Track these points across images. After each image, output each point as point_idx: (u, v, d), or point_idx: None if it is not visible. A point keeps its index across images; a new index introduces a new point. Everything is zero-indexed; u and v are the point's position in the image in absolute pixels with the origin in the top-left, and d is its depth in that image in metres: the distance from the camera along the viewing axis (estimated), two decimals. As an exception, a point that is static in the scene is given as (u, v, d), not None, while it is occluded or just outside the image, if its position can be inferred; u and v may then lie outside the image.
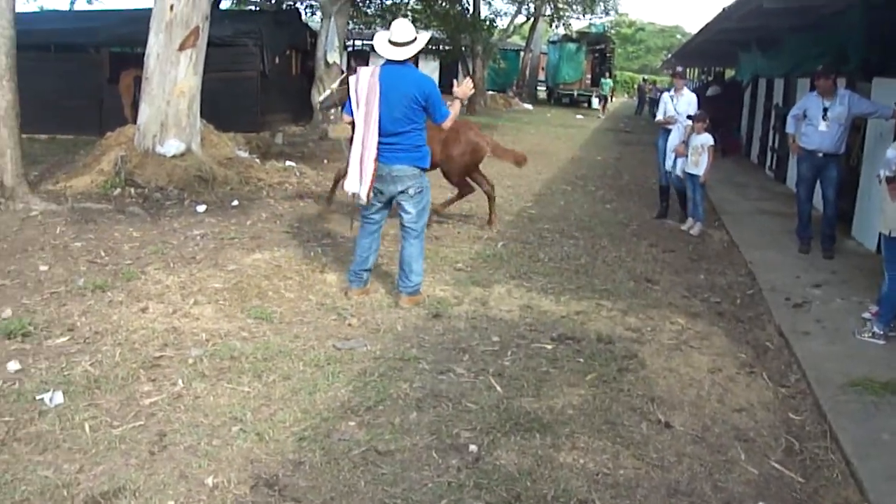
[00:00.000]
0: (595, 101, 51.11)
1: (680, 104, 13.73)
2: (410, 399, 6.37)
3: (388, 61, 8.30)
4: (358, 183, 8.38)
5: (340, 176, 11.41)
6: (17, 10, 12.87)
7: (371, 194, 8.36)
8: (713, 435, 6.08)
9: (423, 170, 8.52)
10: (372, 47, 8.53)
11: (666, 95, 14.57)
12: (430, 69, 52.90)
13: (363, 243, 8.79)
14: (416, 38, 8.38)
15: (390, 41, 8.25)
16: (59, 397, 6.07)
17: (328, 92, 10.29)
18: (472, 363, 7.15)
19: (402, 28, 8.31)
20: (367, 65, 8.66)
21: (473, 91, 8.69)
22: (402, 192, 8.45)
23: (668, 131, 13.76)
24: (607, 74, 53.42)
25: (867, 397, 6.76)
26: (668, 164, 13.59)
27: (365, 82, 8.22)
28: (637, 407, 6.43)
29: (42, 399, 6.07)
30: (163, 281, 9.01)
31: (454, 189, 12.80)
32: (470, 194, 12.86)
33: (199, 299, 8.47)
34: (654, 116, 17.12)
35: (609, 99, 54.33)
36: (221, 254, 10.22)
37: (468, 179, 12.48)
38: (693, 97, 14.04)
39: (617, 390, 6.72)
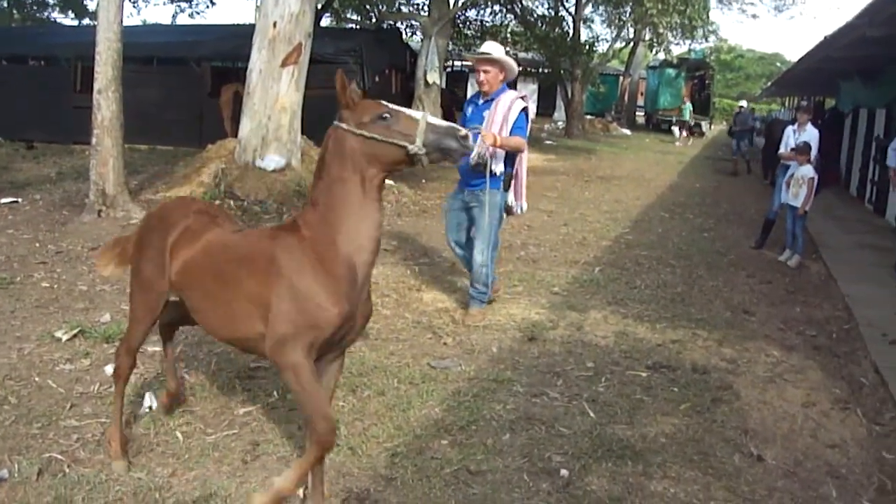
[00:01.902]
0: (676, 130, 49.90)
1: (802, 138, 13.64)
2: (503, 420, 6.41)
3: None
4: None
5: None
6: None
7: None
8: (805, 470, 6.04)
9: None
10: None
11: (789, 129, 14.49)
12: (529, 91, 52.98)
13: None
14: None
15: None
16: (149, 400, 6.23)
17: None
18: (565, 388, 7.17)
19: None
20: (465, 84, 8.74)
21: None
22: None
23: (789, 166, 13.64)
24: (685, 99, 52.57)
25: (962, 439, 6.67)
26: (784, 197, 13.42)
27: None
28: (730, 438, 6.40)
29: (141, 401, 6.24)
30: (261, 294, 9.14)
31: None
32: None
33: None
34: (751, 144, 16.99)
35: (693, 126, 53.18)
36: (319, 269, 10.32)
37: None
38: (815, 132, 13.95)
39: (710, 421, 6.70)
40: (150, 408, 6.17)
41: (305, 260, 4.57)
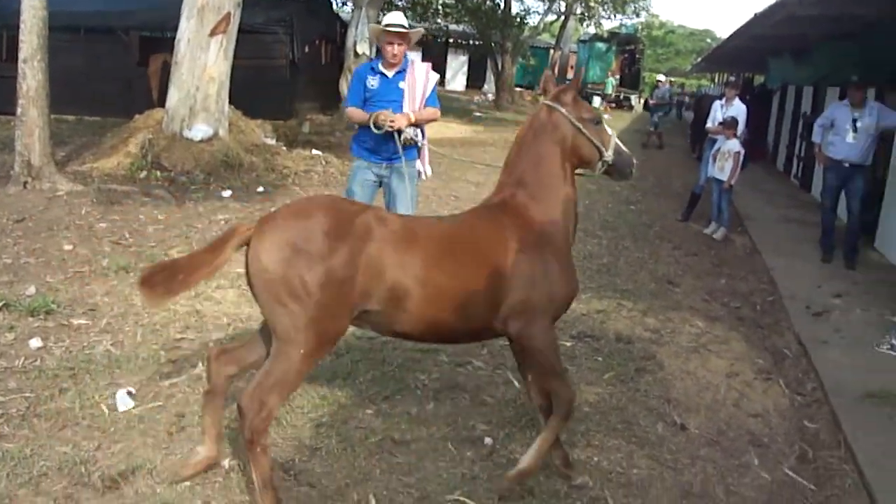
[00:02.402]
0: (597, 101, 50.05)
1: (730, 113, 13.72)
2: (428, 390, 6.41)
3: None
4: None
5: None
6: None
7: None
8: (727, 439, 6.11)
9: None
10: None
11: (717, 104, 14.57)
12: (459, 64, 52.98)
13: None
14: None
15: None
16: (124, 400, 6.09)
17: None
18: (490, 357, 7.18)
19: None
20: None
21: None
22: None
23: (716, 140, 13.72)
24: (609, 73, 52.60)
25: (883, 409, 6.77)
26: (710, 171, 13.48)
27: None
28: (653, 408, 6.46)
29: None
30: (186, 263, 9.04)
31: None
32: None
33: (222, 283, 8.51)
34: (681, 119, 17.09)
35: (622, 99, 53.30)
36: (245, 239, 10.23)
37: None
38: (743, 107, 14.04)
39: (634, 390, 6.76)
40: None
41: (544, 239, 4.87)
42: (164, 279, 4.47)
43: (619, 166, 5.17)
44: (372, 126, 7.62)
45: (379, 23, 9.08)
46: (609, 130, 5.11)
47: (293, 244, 4.34)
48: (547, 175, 4.96)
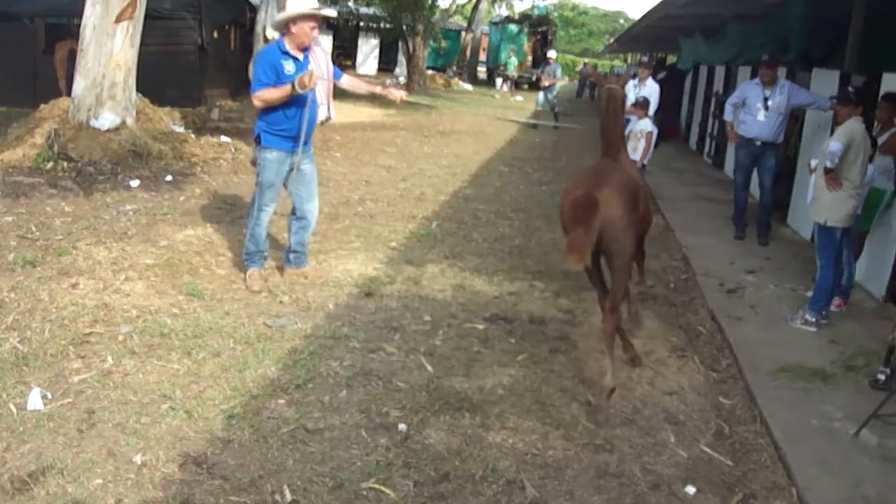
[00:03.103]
0: (499, 82, 50.14)
1: (642, 93, 13.77)
2: (340, 377, 6.35)
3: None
4: None
5: None
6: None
7: None
8: (643, 417, 6.12)
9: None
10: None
11: (630, 84, 14.60)
12: (371, 47, 52.79)
13: None
14: None
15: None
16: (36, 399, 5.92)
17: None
18: (403, 342, 7.14)
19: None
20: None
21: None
22: None
23: (629, 120, 13.76)
24: (510, 54, 52.44)
25: (797, 383, 6.85)
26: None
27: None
28: (567, 388, 6.45)
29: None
30: (94, 256, 8.87)
31: None
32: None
33: (131, 275, 8.34)
34: (593, 100, 17.15)
35: (530, 79, 53.15)
36: (153, 229, 10.09)
37: None
38: (656, 87, 14.12)
39: (547, 371, 6.74)
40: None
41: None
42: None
43: None
44: (298, 88, 7.53)
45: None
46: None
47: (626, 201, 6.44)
48: (623, 143, 7.54)
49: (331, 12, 8.36)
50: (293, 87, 7.56)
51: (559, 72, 29.16)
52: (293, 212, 8.50)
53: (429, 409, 5.88)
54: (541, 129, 25.52)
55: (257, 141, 8.14)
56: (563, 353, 7.17)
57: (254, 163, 8.46)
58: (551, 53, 32.10)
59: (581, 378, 6.64)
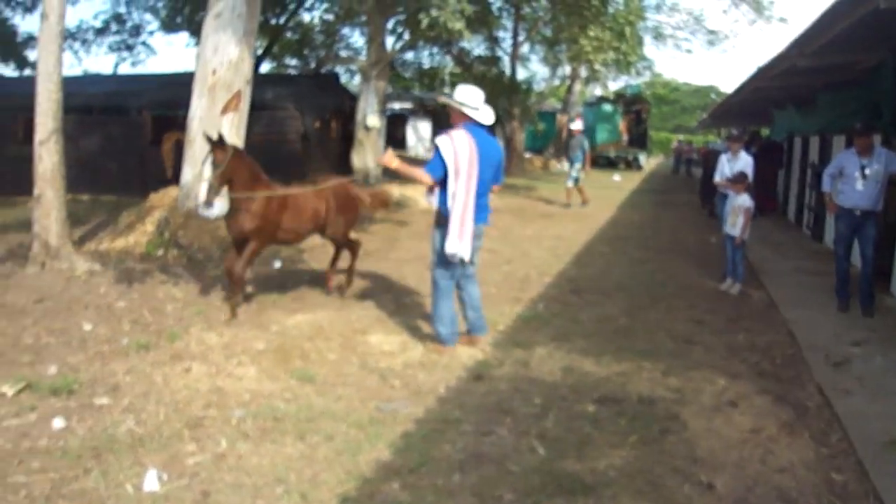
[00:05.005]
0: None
1: (737, 167, 13.85)
2: (453, 461, 6.37)
3: (475, 124, 8.73)
4: (459, 243, 8.84)
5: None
6: (63, 73, 13.13)
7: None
8: (755, 496, 6.05)
9: None
10: (454, 103, 8.66)
11: (723, 158, 14.67)
12: (468, 131, 53.07)
13: (450, 303, 9.25)
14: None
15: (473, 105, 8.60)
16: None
17: (206, 184, 10.07)
18: (514, 425, 7.14)
19: (479, 92, 8.62)
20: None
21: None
22: (479, 246, 9.14)
23: (727, 195, 13.77)
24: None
25: (910, 457, 6.73)
26: (727, 227, 13.47)
27: (465, 145, 8.60)
28: (679, 468, 6.41)
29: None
30: (206, 341, 9.12)
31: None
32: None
33: (242, 360, 8.56)
34: (690, 176, 17.14)
35: (632, 160, 53.11)
36: (264, 315, 10.33)
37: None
38: (749, 160, 14.23)
39: (659, 451, 6.71)
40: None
41: None
42: None
43: None
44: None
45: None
46: None
47: None
48: None
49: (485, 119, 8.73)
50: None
51: (585, 145, 27.11)
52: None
53: (542, 492, 5.87)
54: (637, 207, 25.49)
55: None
56: (674, 432, 7.13)
57: None
58: (575, 125, 29.53)
59: (693, 458, 6.60)
